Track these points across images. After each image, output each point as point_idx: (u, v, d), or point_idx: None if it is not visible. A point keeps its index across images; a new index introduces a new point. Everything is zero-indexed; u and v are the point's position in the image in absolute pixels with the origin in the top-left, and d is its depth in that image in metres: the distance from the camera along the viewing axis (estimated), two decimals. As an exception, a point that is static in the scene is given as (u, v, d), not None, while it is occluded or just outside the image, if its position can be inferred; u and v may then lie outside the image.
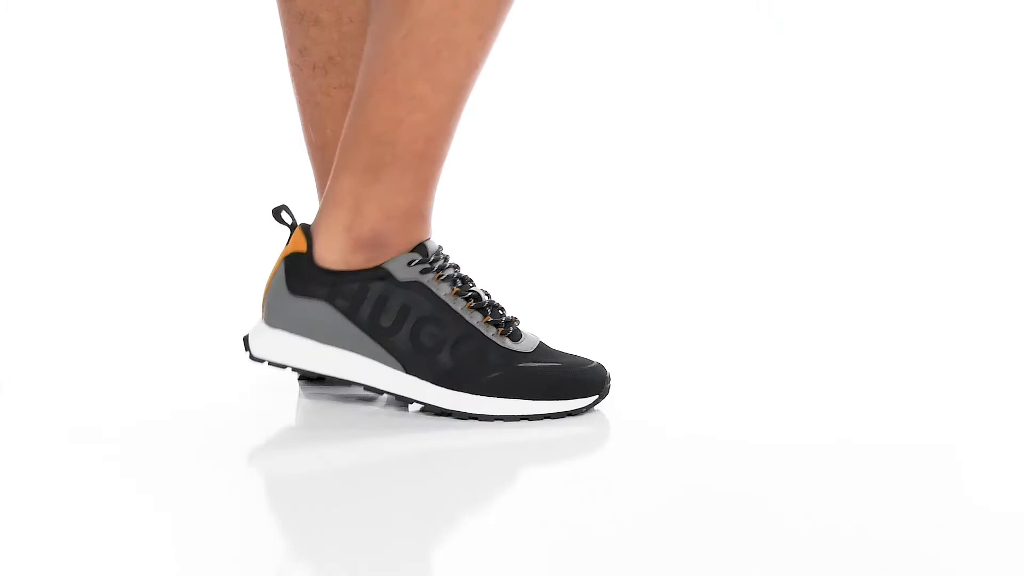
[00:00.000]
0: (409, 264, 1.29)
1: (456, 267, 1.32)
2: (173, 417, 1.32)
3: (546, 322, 1.50)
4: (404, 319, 1.28)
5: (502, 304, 1.33)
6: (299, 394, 1.37)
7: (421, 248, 1.30)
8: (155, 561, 0.98)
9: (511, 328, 1.31)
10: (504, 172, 2.43)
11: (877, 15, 2.55)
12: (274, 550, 1.01)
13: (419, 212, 1.30)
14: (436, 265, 1.30)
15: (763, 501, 1.10)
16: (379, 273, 1.29)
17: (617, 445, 1.27)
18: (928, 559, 0.98)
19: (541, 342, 1.32)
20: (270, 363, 1.30)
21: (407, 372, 1.29)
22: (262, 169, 2.35)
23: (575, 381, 1.30)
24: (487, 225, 2.28)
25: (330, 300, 1.29)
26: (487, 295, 1.33)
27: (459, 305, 1.30)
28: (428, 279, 1.29)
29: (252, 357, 1.31)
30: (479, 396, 1.28)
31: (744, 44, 2.52)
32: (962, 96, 2.52)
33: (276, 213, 1.32)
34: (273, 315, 1.30)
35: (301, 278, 1.29)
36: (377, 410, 1.31)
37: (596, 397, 1.30)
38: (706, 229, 2.29)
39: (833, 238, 2.27)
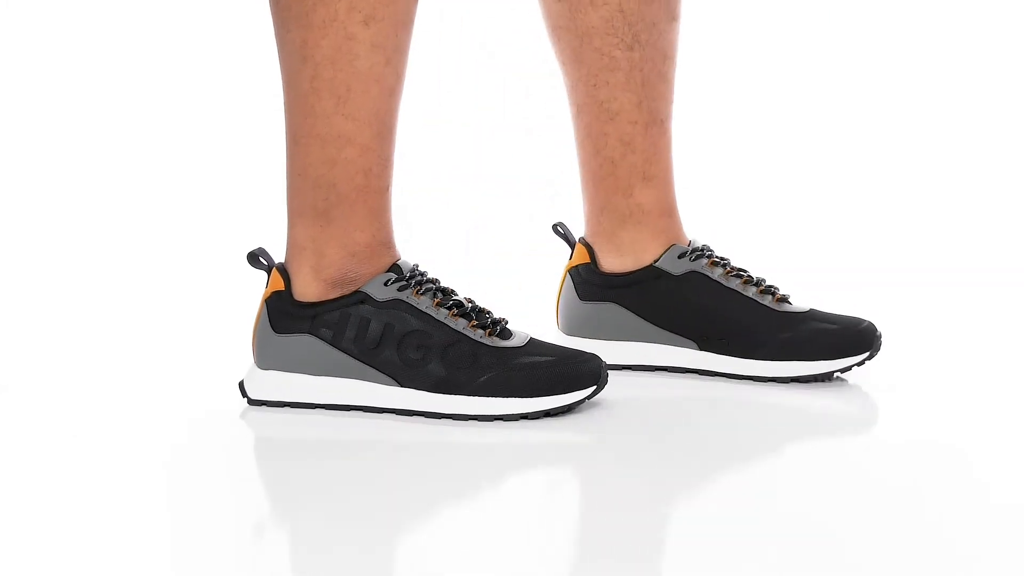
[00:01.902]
0: (386, 284, 1.30)
1: (435, 281, 1.33)
2: (173, 419, 1.33)
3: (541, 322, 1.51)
4: (389, 337, 1.29)
5: (488, 308, 1.34)
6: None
7: (395, 268, 1.31)
8: (154, 562, 0.98)
9: (499, 328, 1.31)
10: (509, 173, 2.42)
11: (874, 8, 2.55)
12: (277, 551, 1.01)
13: (380, 242, 1.31)
14: (413, 281, 1.31)
15: (762, 500, 1.10)
16: (358, 297, 1.30)
17: (612, 444, 1.27)
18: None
19: (532, 338, 1.33)
20: (268, 404, 1.32)
21: (401, 386, 1.29)
22: (264, 170, 2.35)
23: (572, 374, 1.30)
24: (485, 224, 2.28)
25: (314, 332, 1.30)
26: (471, 302, 1.33)
27: (442, 314, 1.30)
28: (407, 295, 1.30)
29: (250, 401, 1.33)
30: (476, 397, 1.29)
31: (740, 31, 2.52)
32: (962, 92, 2.52)
33: (252, 258, 1.33)
34: (263, 357, 1.32)
35: (283, 316, 1.31)
36: (375, 416, 1.31)
37: (594, 388, 1.30)
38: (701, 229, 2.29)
39: (831, 234, 2.27)
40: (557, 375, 1.29)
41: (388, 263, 1.32)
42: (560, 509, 1.11)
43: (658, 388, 1.42)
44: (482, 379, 1.28)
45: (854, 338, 1.41)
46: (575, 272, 1.47)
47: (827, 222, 2.29)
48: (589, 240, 1.48)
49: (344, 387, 1.31)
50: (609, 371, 1.34)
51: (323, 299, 1.31)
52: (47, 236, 2.22)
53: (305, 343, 1.31)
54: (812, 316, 1.42)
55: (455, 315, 1.30)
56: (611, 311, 1.46)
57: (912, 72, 2.52)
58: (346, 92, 1.27)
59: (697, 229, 1.52)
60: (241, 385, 1.34)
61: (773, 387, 1.41)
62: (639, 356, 1.46)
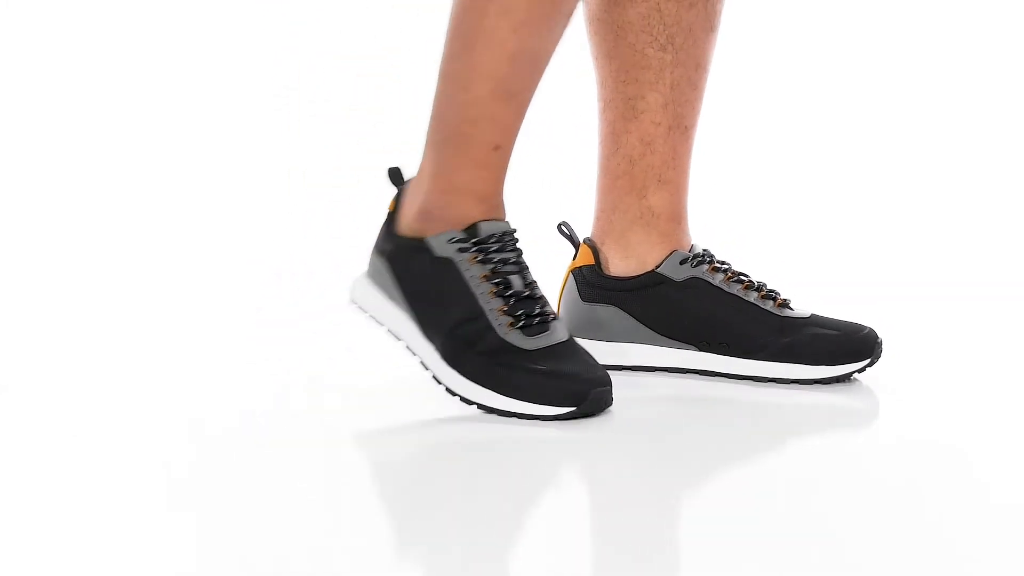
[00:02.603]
0: (449, 241, 1.32)
1: (504, 254, 1.32)
2: (173, 419, 1.33)
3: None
4: (427, 291, 1.32)
5: (540, 300, 1.32)
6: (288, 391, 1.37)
7: (472, 228, 1.32)
8: (154, 562, 0.98)
9: (532, 321, 1.30)
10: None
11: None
12: (276, 553, 1.01)
13: (472, 192, 1.33)
14: (477, 247, 1.32)
15: (763, 500, 1.10)
16: (421, 245, 1.33)
17: (611, 443, 1.27)
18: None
19: (566, 343, 1.31)
20: (357, 306, 1.38)
21: (423, 335, 1.33)
22: (264, 171, 2.35)
23: (562, 389, 1.28)
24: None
25: (388, 260, 1.35)
26: (530, 288, 1.33)
27: (483, 288, 1.31)
28: (461, 258, 1.31)
29: (351, 300, 1.39)
30: (463, 378, 1.30)
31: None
32: (962, 104, 2.52)
33: (393, 174, 1.38)
34: (368, 267, 1.39)
35: (381, 237, 1.37)
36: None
37: (571, 409, 1.27)
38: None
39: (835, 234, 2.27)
40: (534, 385, 1.28)
41: (472, 218, 1.33)
42: (559, 508, 1.11)
43: (658, 388, 1.42)
44: (471, 364, 1.29)
45: (855, 344, 1.41)
46: (578, 273, 1.48)
47: (829, 227, 2.30)
48: (596, 241, 1.48)
49: (393, 313, 1.35)
50: (610, 371, 1.33)
51: (407, 232, 1.34)
52: (47, 236, 2.22)
53: (381, 266, 1.36)
54: (813, 321, 1.42)
55: (494, 294, 1.31)
56: (612, 314, 1.46)
57: (912, 86, 2.52)
58: (472, 43, 1.31)
59: (699, 234, 1.52)
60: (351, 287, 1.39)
61: (773, 387, 1.41)
62: (640, 357, 1.46)
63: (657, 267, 1.45)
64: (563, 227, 1.50)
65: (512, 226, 1.35)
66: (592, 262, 1.47)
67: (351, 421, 1.30)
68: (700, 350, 1.44)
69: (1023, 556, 0.99)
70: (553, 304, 1.51)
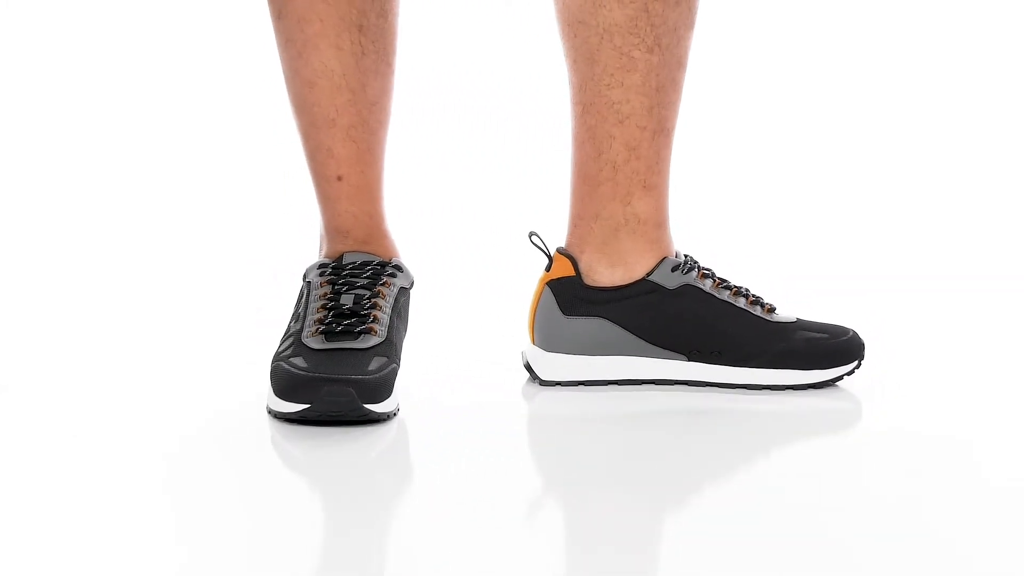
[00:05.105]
0: (318, 267, 1.38)
1: (370, 279, 1.36)
2: (172, 419, 1.33)
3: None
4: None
5: (368, 317, 1.33)
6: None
7: (339, 259, 1.40)
8: (153, 563, 0.98)
9: (333, 328, 1.31)
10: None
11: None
12: (273, 548, 1.01)
13: (335, 229, 1.41)
14: (334, 271, 1.37)
15: (763, 507, 1.11)
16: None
17: (608, 453, 1.27)
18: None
19: (363, 349, 1.30)
20: None
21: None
22: (264, 171, 2.35)
23: (282, 383, 1.27)
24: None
25: None
26: (357, 305, 1.33)
27: (318, 304, 1.34)
28: (316, 282, 1.36)
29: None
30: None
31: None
32: (941, 105, 2.52)
33: None
34: None
35: None
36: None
37: (301, 408, 1.26)
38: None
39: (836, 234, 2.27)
40: (280, 379, 1.28)
41: (327, 251, 1.41)
42: (557, 516, 1.12)
43: (650, 400, 1.40)
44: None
45: (845, 346, 1.42)
46: (556, 285, 1.42)
47: (784, 226, 2.29)
48: (572, 251, 1.43)
49: None
50: (596, 387, 1.32)
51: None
52: (47, 236, 2.22)
53: None
54: (801, 326, 1.43)
55: (322, 307, 1.33)
56: (599, 327, 1.41)
57: (889, 80, 2.52)
58: (285, 79, 1.38)
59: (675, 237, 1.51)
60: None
61: (766, 394, 1.41)
62: (628, 371, 1.42)
63: (648, 275, 1.42)
64: (534, 237, 1.44)
65: (379, 258, 1.38)
66: (571, 273, 1.42)
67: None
68: (690, 359, 1.42)
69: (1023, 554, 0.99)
70: (526, 318, 1.47)
